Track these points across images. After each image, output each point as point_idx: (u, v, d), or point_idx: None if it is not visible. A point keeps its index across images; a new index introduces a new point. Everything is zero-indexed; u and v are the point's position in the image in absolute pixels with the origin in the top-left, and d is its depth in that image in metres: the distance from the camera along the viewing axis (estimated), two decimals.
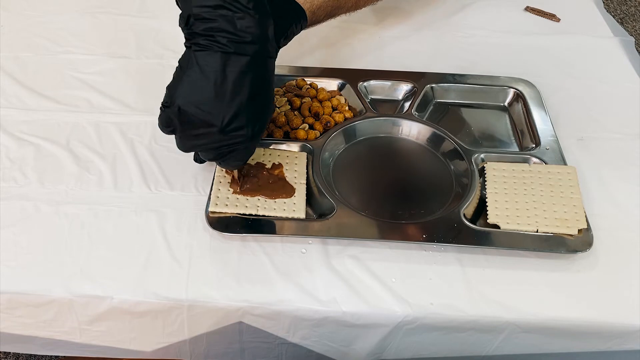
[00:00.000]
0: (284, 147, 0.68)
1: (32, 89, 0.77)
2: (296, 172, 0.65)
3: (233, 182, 0.63)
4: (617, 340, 0.58)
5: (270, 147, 0.68)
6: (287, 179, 0.64)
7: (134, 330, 0.60)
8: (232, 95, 0.53)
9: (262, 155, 0.66)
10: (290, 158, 0.67)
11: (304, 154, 0.67)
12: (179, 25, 0.54)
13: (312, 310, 0.56)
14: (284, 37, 0.66)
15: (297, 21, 0.66)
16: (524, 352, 0.60)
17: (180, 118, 0.54)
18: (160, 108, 0.55)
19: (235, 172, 0.63)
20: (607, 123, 0.75)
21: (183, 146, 0.57)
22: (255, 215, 0.61)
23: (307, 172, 0.66)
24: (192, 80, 0.53)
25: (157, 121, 0.57)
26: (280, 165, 0.66)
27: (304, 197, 0.63)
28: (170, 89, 0.55)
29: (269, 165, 0.66)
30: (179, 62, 0.55)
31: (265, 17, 0.54)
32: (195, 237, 0.61)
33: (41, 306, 0.57)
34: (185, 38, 0.54)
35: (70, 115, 0.73)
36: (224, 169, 0.63)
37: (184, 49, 0.55)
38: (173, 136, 0.68)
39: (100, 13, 0.90)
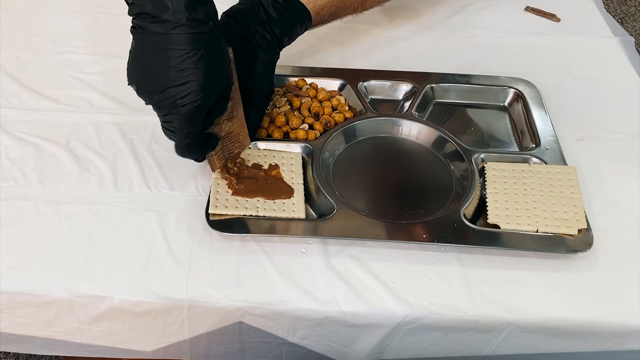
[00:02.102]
0: (284, 147, 0.68)
1: (32, 89, 0.77)
2: (293, 173, 0.65)
3: (226, 179, 0.63)
4: (617, 340, 0.58)
5: (265, 148, 0.68)
6: (284, 180, 0.64)
7: (134, 330, 0.60)
8: (155, 68, 0.53)
9: (258, 157, 0.66)
10: (285, 159, 0.67)
11: (299, 154, 0.67)
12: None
13: (312, 310, 0.56)
14: (288, 37, 0.66)
15: (302, 22, 0.67)
16: (524, 352, 0.60)
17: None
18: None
19: (216, 162, 0.63)
20: (607, 123, 0.75)
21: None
22: (255, 216, 0.61)
23: (304, 172, 0.66)
24: (132, 59, 0.55)
25: (157, 121, 0.57)
26: (277, 166, 0.66)
27: (303, 197, 0.63)
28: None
29: (265, 166, 0.66)
30: None
31: None
32: (195, 237, 0.61)
33: (41, 306, 0.57)
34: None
35: (70, 115, 0.73)
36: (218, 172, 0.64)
37: None
38: None
39: (100, 13, 0.90)
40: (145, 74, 0.53)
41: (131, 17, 0.52)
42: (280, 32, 0.64)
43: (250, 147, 0.67)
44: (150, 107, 0.55)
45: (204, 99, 0.53)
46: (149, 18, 0.50)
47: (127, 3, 0.52)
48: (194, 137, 0.56)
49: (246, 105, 0.63)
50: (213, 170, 0.64)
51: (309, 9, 0.67)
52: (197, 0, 0.50)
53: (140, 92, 0.55)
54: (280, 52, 0.67)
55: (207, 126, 0.58)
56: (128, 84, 0.55)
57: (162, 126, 0.57)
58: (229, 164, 0.64)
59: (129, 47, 0.52)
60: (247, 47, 0.63)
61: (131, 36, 0.53)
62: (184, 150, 0.58)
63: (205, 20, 0.51)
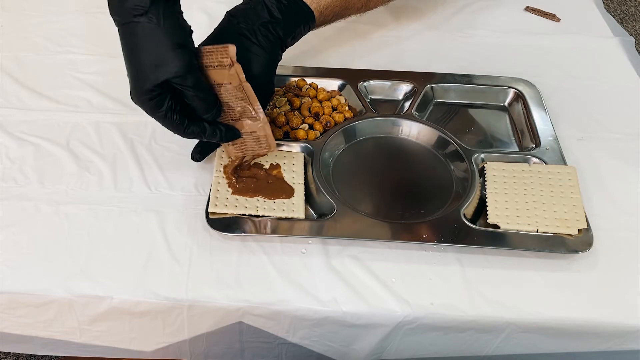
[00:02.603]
0: (284, 147, 0.68)
1: (32, 89, 0.77)
2: (294, 172, 0.65)
3: (227, 177, 0.63)
4: (617, 340, 0.58)
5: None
6: (285, 179, 0.64)
7: (134, 330, 0.60)
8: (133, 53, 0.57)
9: (255, 155, 0.66)
10: (287, 158, 0.67)
11: (301, 154, 0.67)
12: None
13: (312, 310, 0.56)
14: (292, 37, 0.66)
15: (305, 22, 0.67)
16: (524, 352, 0.60)
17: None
18: None
19: (233, 151, 0.64)
20: (607, 123, 0.75)
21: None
22: (255, 215, 0.61)
23: (306, 172, 0.66)
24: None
25: (156, 121, 0.57)
26: (278, 166, 0.66)
27: (303, 197, 0.63)
28: None
29: (266, 166, 0.66)
30: None
31: None
32: (195, 237, 0.61)
33: (41, 306, 0.57)
34: None
35: (70, 115, 0.73)
36: (223, 171, 0.64)
37: None
38: (172, 137, 0.68)
39: (100, 13, 0.90)
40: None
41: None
42: (284, 32, 0.64)
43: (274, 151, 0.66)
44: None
45: (133, 87, 0.57)
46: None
47: None
48: (170, 121, 0.58)
49: None
50: (229, 156, 0.64)
51: (313, 9, 0.67)
52: None
53: None
54: (284, 52, 0.67)
55: (202, 114, 0.59)
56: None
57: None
58: (244, 162, 0.65)
59: None
60: (250, 47, 0.63)
61: None
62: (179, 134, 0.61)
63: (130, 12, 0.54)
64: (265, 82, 0.65)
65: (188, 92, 0.56)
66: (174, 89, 0.56)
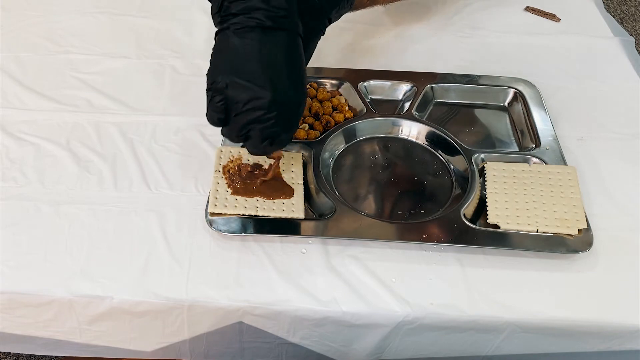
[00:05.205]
0: None
1: (32, 89, 0.77)
2: (293, 173, 0.65)
3: (226, 178, 0.63)
4: (617, 340, 0.58)
5: None
6: (284, 180, 0.64)
7: (134, 330, 0.60)
8: (277, 65, 0.53)
9: (259, 156, 0.66)
10: (286, 158, 0.67)
11: (300, 154, 0.67)
12: (211, 12, 0.55)
13: (312, 310, 0.56)
14: (336, 9, 0.63)
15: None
16: (524, 352, 0.60)
17: (228, 94, 0.53)
18: (207, 93, 0.54)
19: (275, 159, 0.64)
20: (607, 123, 0.75)
21: (235, 128, 0.56)
22: (255, 215, 0.61)
23: (306, 172, 0.66)
24: (235, 56, 0.53)
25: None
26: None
27: (302, 197, 0.63)
28: (213, 71, 0.54)
29: (265, 166, 0.65)
30: (213, 48, 0.55)
31: None
32: (195, 237, 0.61)
33: (41, 306, 0.57)
34: (219, 22, 0.54)
35: (70, 115, 0.73)
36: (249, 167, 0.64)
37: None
38: (172, 137, 0.68)
39: (100, 13, 0.90)
40: None
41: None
42: (329, 8, 0.62)
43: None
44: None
45: None
46: None
47: None
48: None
49: None
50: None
51: None
52: None
53: None
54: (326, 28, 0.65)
55: None
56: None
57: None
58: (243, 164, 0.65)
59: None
60: None
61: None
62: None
63: None
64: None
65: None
66: None
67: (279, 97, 0.53)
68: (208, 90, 0.54)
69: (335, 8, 0.62)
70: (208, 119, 0.55)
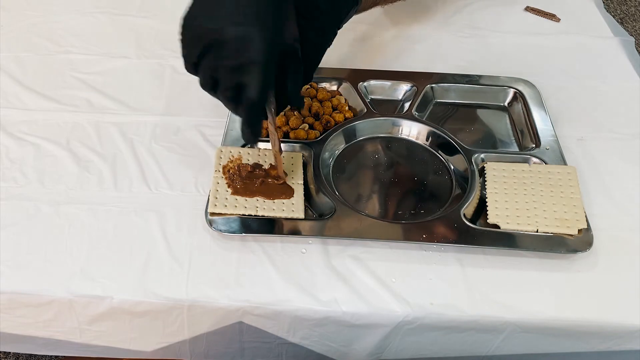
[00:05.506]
0: (284, 147, 0.68)
1: (32, 89, 0.77)
2: (293, 173, 0.65)
3: (226, 178, 0.63)
4: (617, 340, 0.58)
5: (265, 148, 0.68)
6: (284, 179, 0.64)
7: (134, 330, 0.60)
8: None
9: (258, 156, 0.66)
10: (286, 158, 0.67)
11: (300, 154, 0.67)
12: None
13: (312, 310, 0.56)
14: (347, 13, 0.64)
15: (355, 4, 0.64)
16: (524, 352, 0.60)
17: (185, 34, 0.51)
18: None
19: (273, 124, 0.60)
20: (607, 123, 0.75)
21: (203, 76, 0.53)
22: (255, 215, 0.61)
23: (305, 172, 0.66)
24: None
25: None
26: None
27: (302, 197, 0.63)
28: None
29: (266, 166, 0.66)
30: None
31: None
32: (195, 237, 0.61)
33: (41, 306, 0.57)
34: None
35: (70, 115, 0.73)
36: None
37: None
38: (172, 137, 0.67)
39: (100, 13, 0.90)
40: None
41: None
42: (343, 18, 0.63)
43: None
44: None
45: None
46: None
47: None
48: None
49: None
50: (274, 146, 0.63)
51: None
52: None
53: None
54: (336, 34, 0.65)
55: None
56: None
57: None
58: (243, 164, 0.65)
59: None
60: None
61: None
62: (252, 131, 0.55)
63: None
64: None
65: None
66: None
67: (236, 36, 0.49)
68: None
69: (338, 26, 0.63)
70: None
